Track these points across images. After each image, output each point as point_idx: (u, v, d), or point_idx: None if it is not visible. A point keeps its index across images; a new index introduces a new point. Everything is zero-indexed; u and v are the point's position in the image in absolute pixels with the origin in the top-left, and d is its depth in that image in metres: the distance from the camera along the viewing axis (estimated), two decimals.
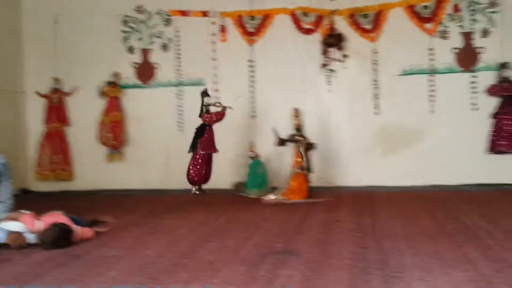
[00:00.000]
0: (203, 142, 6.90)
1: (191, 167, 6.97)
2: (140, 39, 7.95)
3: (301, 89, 7.50)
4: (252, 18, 7.66)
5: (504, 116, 6.96)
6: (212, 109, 6.99)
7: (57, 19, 8.08)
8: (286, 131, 6.50)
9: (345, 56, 7.40)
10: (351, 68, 7.44)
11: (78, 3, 8.12)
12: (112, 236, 4.37)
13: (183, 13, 7.78)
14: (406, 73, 7.31)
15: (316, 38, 7.49)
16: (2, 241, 3.97)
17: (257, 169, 6.92)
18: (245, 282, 2.90)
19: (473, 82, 7.13)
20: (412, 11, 7.26)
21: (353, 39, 7.41)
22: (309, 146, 6.40)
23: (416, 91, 7.28)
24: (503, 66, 6.98)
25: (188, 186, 7.20)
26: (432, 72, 7.23)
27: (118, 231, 4.57)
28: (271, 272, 3.09)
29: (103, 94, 7.88)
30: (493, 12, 7.06)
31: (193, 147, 6.94)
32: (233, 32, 7.69)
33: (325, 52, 7.44)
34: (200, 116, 6.97)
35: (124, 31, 7.98)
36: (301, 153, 6.31)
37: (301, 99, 7.18)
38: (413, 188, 6.91)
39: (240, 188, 6.93)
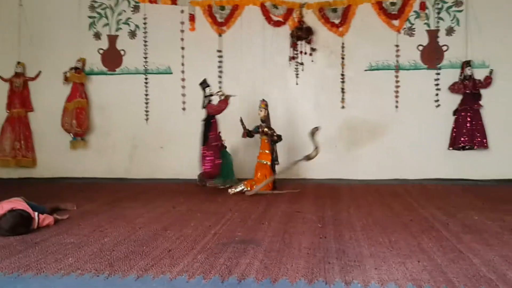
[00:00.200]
0: (213, 133, 6.55)
1: (206, 160, 6.49)
2: (106, 24, 7.81)
3: (269, 81, 7.53)
4: (222, 8, 7.62)
5: (464, 114, 7.16)
6: (214, 99, 6.59)
7: (21, 1, 7.86)
8: (253, 122, 6.51)
9: (313, 49, 7.45)
10: (319, 61, 7.50)
11: None
12: (71, 223, 4.31)
13: (152, 0, 7.67)
14: (373, 69, 7.42)
15: (285, 30, 7.52)
16: None
17: (223, 160, 6.88)
18: (204, 270, 2.91)
19: (437, 79, 7.31)
20: (380, 7, 7.36)
21: (322, 33, 7.47)
22: (275, 138, 6.42)
23: (381, 87, 7.42)
24: (466, 64, 7.16)
25: (153, 175, 7.14)
26: (398, 68, 7.36)
27: (78, 218, 4.50)
28: (230, 260, 3.10)
29: (66, 79, 7.69)
30: (458, 11, 7.23)
31: (205, 140, 6.51)
32: (202, 21, 7.63)
33: (293, 45, 7.48)
34: (204, 107, 6.54)
35: (91, 17, 7.82)
36: (267, 145, 6.32)
37: (268, 91, 7.21)
38: (375, 182, 7.05)
39: (204, 179, 6.87)
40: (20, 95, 7.91)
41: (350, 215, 4.65)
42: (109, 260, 3.13)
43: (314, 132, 6.13)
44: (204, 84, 6.57)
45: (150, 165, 7.70)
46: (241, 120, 6.39)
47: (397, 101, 7.39)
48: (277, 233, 3.88)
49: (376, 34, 7.37)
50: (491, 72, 7.12)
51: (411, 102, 7.34)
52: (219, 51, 7.63)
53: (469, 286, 2.62)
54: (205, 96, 6.55)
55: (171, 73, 7.64)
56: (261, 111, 6.35)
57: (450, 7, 7.26)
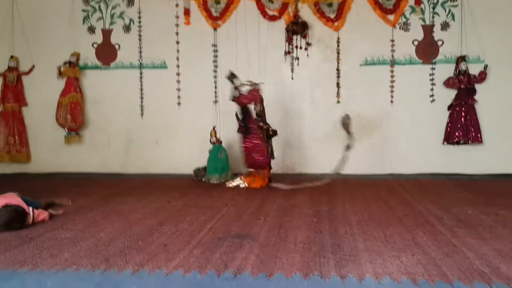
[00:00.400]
0: (253, 123, 6.38)
1: (256, 151, 6.31)
2: (100, 18, 7.76)
3: (264, 76, 7.49)
4: (217, 2, 7.58)
5: (459, 108, 7.19)
6: (243, 89, 6.37)
7: None
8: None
9: (308, 44, 7.44)
10: (315, 56, 7.49)
11: None
12: (66, 218, 4.30)
13: None
14: (368, 63, 7.42)
15: (281, 25, 7.50)
16: None
17: (218, 155, 6.88)
18: (200, 265, 2.91)
19: (432, 74, 7.32)
20: (375, 2, 7.35)
21: (317, 28, 7.46)
22: (271, 133, 6.41)
23: (377, 82, 7.42)
24: (461, 59, 7.18)
25: (148, 170, 7.12)
26: (393, 63, 7.37)
27: (73, 214, 4.50)
28: (226, 255, 3.11)
29: (60, 74, 7.62)
30: (453, 6, 7.24)
31: (246, 132, 6.36)
32: (197, 15, 7.59)
33: (289, 40, 7.46)
34: (233, 100, 6.40)
35: (84, 10, 7.77)
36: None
37: (264, 86, 7.17)
38: (370, 177, 7.07)
39: (200, 174, 6.88)
40: (13, 89, 7.85)
41: (346, 209, 4.66)
42: (104, 255, 3.12)
43: (346, 121, 6.22)
44: (232, 76, 6.42)
45: (145, 160, 7.68)
46: (237, 115, 6.38)
47: (392, 96, 7.40)
48: (273, 227, 3.89)
49: (371, 29, 7.36)
50: (485, 67, 7.14)
51: (406, 97, 7.35)
52: (214, 45, 7.61)
53: (462, 279, 2.63)
54: (235, 88, 6.37)
55: (166, 67, 7.61)
56: (256, 106, 6.34)
57: (445, 2, 7.27)
